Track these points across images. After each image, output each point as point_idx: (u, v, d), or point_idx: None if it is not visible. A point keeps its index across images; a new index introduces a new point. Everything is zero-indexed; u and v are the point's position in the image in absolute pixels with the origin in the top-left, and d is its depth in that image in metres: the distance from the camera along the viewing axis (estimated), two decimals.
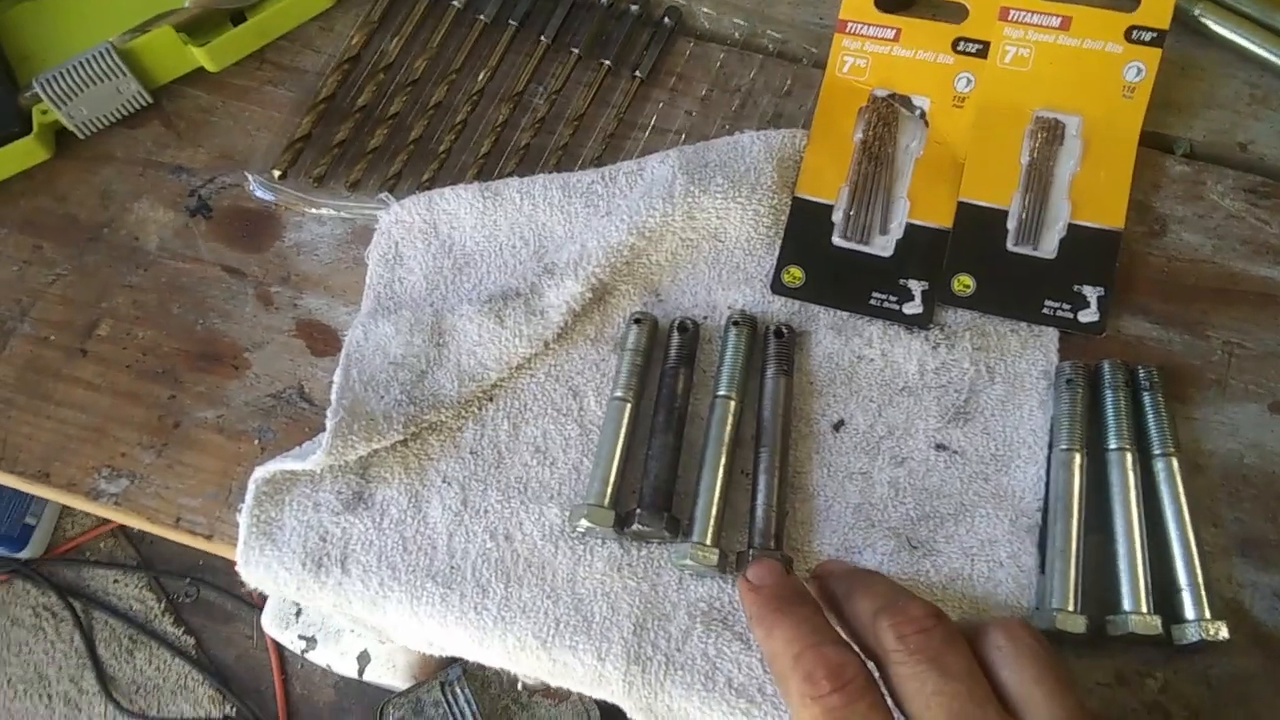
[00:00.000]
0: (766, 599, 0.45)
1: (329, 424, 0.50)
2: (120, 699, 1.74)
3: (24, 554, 1.77)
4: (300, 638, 1.48)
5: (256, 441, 0.55)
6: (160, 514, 0.54)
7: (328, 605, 0.52)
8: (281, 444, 0.55)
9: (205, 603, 1.78)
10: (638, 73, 0.61)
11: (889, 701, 0.40)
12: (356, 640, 1.48)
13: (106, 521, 1.78)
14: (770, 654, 0.43)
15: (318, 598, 0.52)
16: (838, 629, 0.44)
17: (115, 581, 1.81)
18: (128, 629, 1.78)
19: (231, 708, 1.73)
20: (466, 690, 1.31)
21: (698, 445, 0.52)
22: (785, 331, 0.54)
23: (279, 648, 1.67)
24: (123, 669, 1.77)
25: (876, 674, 0.41)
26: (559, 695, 1.29)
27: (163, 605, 1.80)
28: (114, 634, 1.78)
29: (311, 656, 1.47)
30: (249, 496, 0.52)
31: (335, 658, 1.48)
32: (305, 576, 0.51)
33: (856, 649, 0.42)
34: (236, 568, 0.52)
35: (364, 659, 1.47)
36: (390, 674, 1.44)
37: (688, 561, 0.49)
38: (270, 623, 1.48)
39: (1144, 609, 0.47)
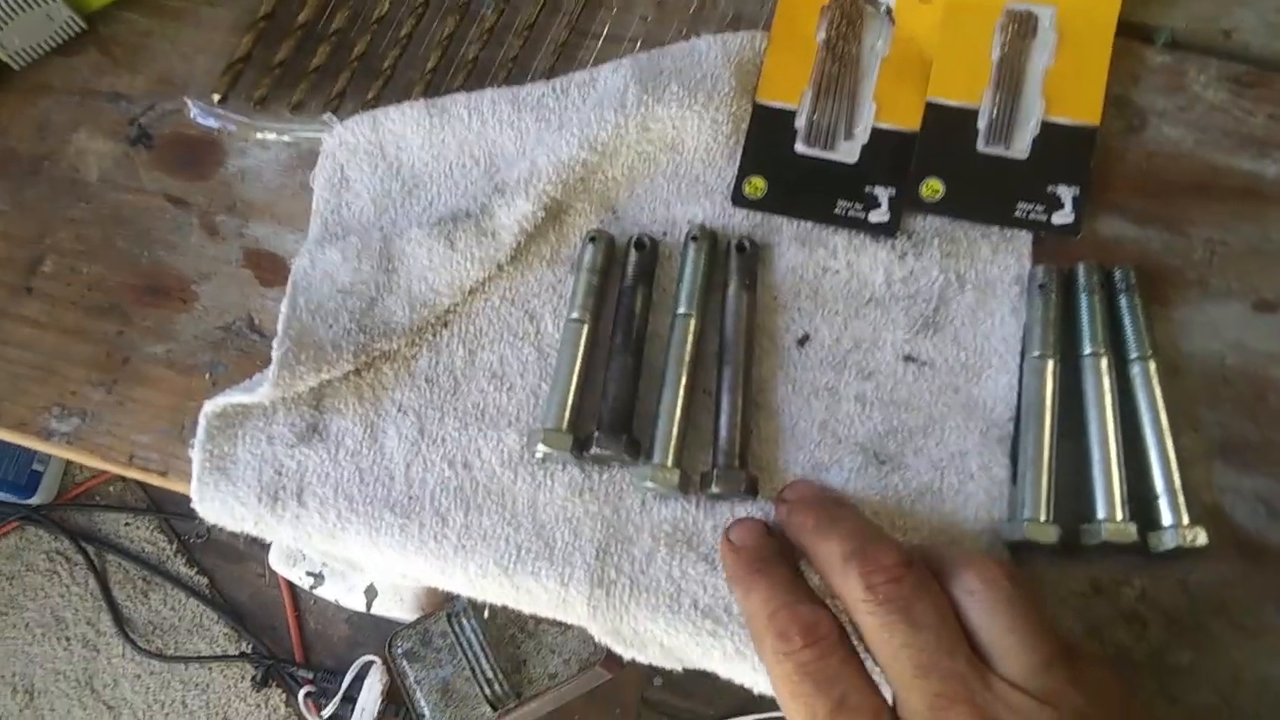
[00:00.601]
0: (746, 560, 0.44)
1: (275, 355, 0.49)
2: (137, 639, 1.76)
3: (34, 500, 1.79)
4: (308, 574, 1.49)
5: (207, 376, 0.53)
6: (113, 452, 0.53)
7: (287, 538, 0.51)
8: (233, 377, 0.53)
9: (216, 543, 1.80)
10: None
11: (861, 652, 0.40)
12: (362, 575, 1.49)
13: None
14: (748, 614, 0.44)
15: (275, 531, 0.51)
16: (812, 580, 0.44)
17: (126, 524, 1.83)
18: (141, 571, 1.80)
19: (248, 644, 1.75)
20: (473, 620, 1.32)
21: (658, 365, 0.50)
22: (747, 245, 0.51)
23: (291, 585, 1.69)
24: (138, 610, 1.79)
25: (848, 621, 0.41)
26: (565, 623, 1.30)
27: (174, 546, 1.81)
28: (128, 576, 1.81)
29: (320, 592, 1.49)
30: (200, 431, 0.50)
31: (343, 593, 1.49)
32: (261, 511, 0.50)
33: (830, 605, 0.42)
34: (192, 504, 0.51)
35: (371, 593, 1.48)
36: (398, 607, 1.45)
37: (649, 483, 0.47)
38: (278, 560, 1.49)
39: (1119, 516, 0.45)
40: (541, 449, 0.48)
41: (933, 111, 0.53)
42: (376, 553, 0.50)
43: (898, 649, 0.39)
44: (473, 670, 1.30)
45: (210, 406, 0.50)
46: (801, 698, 0.39)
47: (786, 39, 0.55)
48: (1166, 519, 0.46)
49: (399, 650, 1.36)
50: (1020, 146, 0.52)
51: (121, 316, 0.54)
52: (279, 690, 1.72)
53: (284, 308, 0.51)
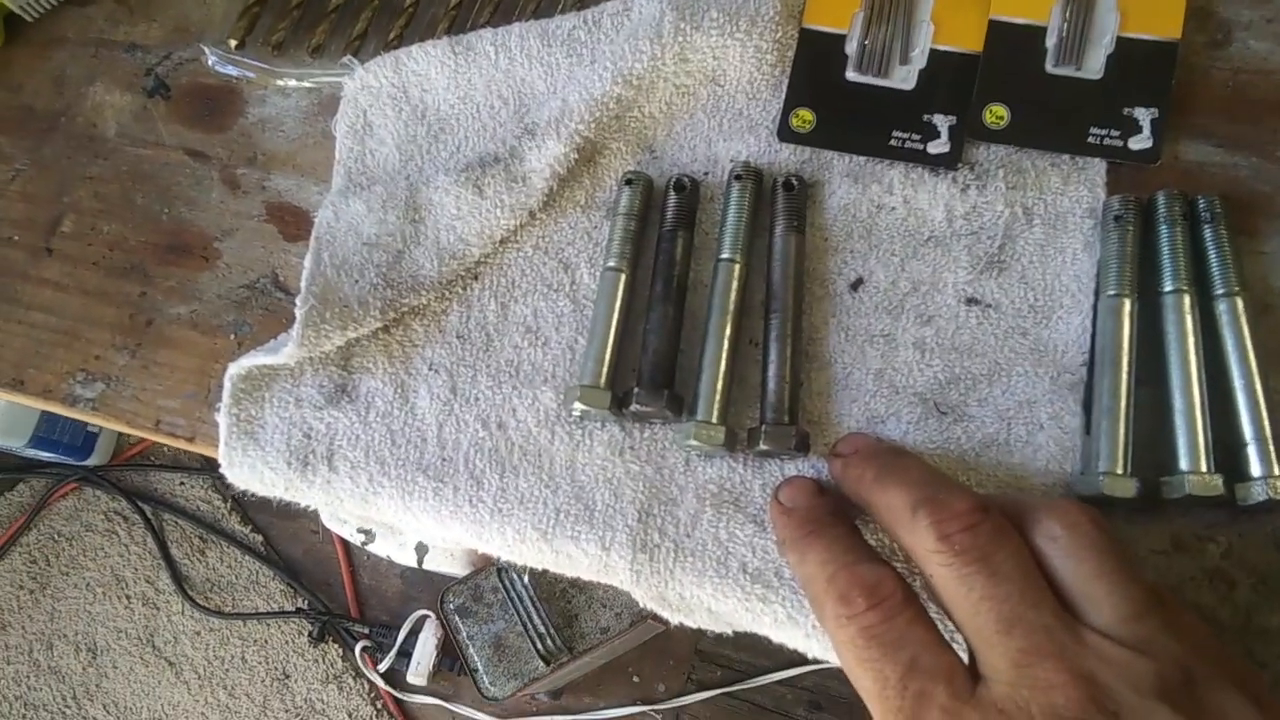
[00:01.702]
0: (799, 522, 0.42)
1: (299, 313, 0.47)
2: (196, 596, 1.79)
3: (90, 461, 1.81)
4: (359, 531, 1.49)
5: (233, 336, 0.51)
6: (139, 417, 0.51)
7: (319, 503, 0.49)
8: (258, 337, 0.51)
9: (269, 500, 1.81)
10: None
11: (931, 609, 0.37)
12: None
13: None
14: (804, 579, 0.41)
15: (306, 496, 0.49)
16: (873, 541, 0.41)
17: (181, 484, 1.85)
18: (197, 529, 1.82)
19: (304, 600, 1.77)
20: (524, 575, 1.31)
21: (701, 315, 0.47)
22: (795, 183, 0.48)
23: (344, 541, 1.70)
24: (196, 568, 1.82)
25: (917, 581, 0.39)
26: None
27: (229, 505, 1.83)
28: (184, 535, 1.83)
29: (372, 549, 1.49)
30: (226, 395, 0.48)
31: (394, 549, 1.49)
32: (291, 476, 0.48)
33: (895, 562, 0.39)
34: (220, 469, 0.49)
35: (421, 549, 1.48)
36: (449, 563, 1.45)
37: (693, 441, 0.44)
38: (328, 517, 1.50)
39: (1203, 468, 0.42)
40: (578, 407, 0.46)
41: (996, 30, 0.49)
42: (410, 517, 0.48)
43: (977, 602, 0.35)
44: (525, 625, 1.30)
45: (235, 369, 0.48)
46: (869, 663, 0.36)
47: None
48: (1256, 469, 0.42)
49: (450, 606, 1.36)
50: (1093, 66, 0.48)
51: (143, 277, 0.53)
52: (335, 645, 1.74)
53: (308, 263, 0.48)
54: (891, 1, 0.50)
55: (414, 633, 1.63)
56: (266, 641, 1.77)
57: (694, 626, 0.47)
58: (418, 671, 1.61)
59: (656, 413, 0.45)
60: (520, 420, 0.48)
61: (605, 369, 0.46)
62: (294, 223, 0.52)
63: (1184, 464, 0.42)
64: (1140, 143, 0.47)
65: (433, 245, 0.49)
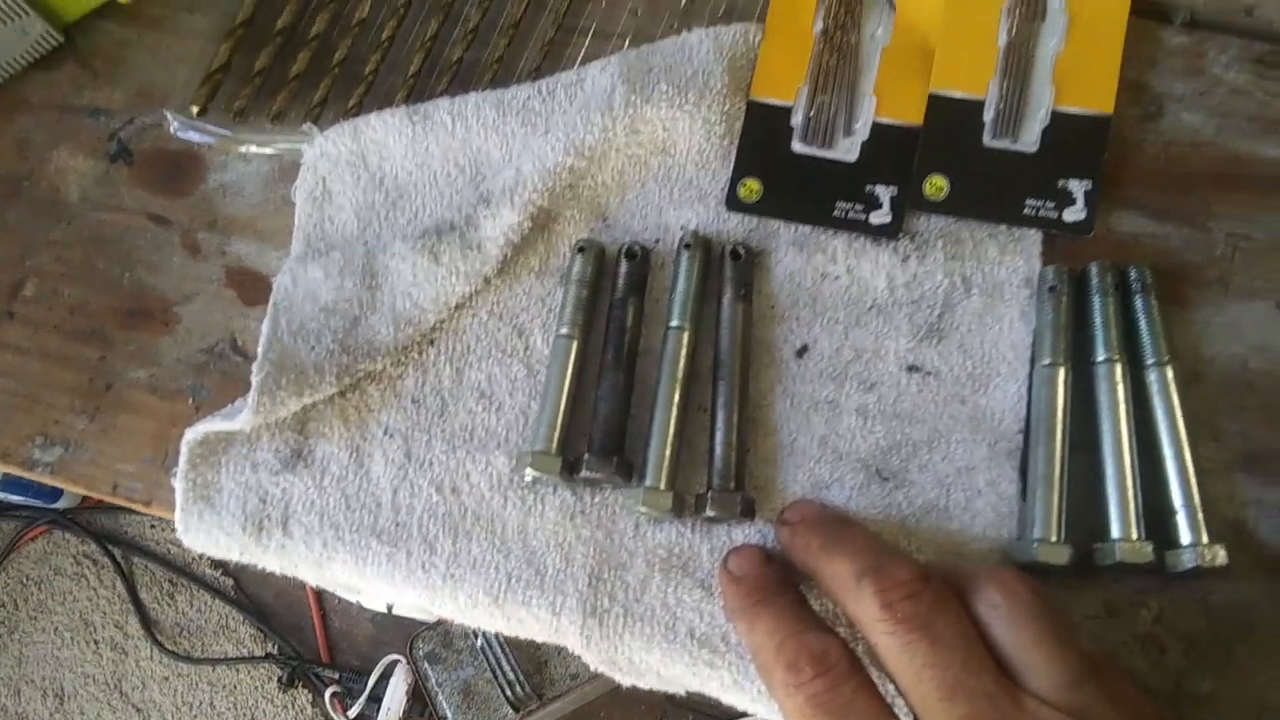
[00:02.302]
0: (747, 591, 0.42)
1: (254, 380, 0.47)
2: (164, 641, 1.77)
3: (60, 504, 1.80)
4: None
5: (191, 400, 0.52)
6: (97, 481, 0.51)
7: (275, 567, 0.50)
8: (216, 401, 0.52)
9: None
10: None
11: (875, 676, 0.38)
12: None
13: None
14: (753, 647, 0.42)
15: (262, 560, 0.49)
16: (818, 606, 0.42)
17: (152, 527, 1.83)
18: (167, 573, 1.80)
19: (274, 645, 1.76)
20: None
21: (651, 381, 0.48)
22: (742, 252, 0.49)
23: (315, 586, 1.69)
24: (165, 612, 1.80)
25: (859, 647, 0.40)
26: None
27: None
28: (154, 578, 1.81)
29: (342, 593, 1.48)
30: (182, 460, 0.49)
31: (366, 594, 1.48)
32: (247, 541, 0.49)
33: (840, 631, 0.40)
34: (176, 534, 0.49)
35: None
36: (419, 609, 1.45)
37: (641, 507, 0.45)
38: None
39: (1134, 535, 0.43)
40: (530, 473, 0.46)
41: (936, 104, 0.50)
42: (364, 582, 0.49)
43: (919, 670, 0.36)
44: (494, 672, 1.30)
45: (191, 434, 0.49)
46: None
47: (782, 31, 0.52)
48: (1185, 537, 0.43)
49: (420, 652, 1.36)
50: (1029, 139, 0.49)
51: (103, 341, 0.53)
52: (305, 690, 1.72)
53: (265, 329, 0.49)
54: (835, 74, 0.51)
55: (384, 678, 1.62)
56: (235, 687, 1.75)
57: (646, 688, 0.48)
58: (388, 716, 1.59)
59: (606, 478, 0.46)
60: (474, 485, 0.49)
61: (557, 435, 0.47)
62: (253, 287, 0.53)
63: (1115, 531, 0.43)
64: (1074, 214, 0.48)
65: (389, 311, 0.50)
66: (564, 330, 0.49)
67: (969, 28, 0.51)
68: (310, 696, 1.73)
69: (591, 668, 0.47)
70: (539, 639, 0.48)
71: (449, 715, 1.34)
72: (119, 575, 1.80)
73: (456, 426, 0.50)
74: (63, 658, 1.80)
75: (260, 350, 0.48)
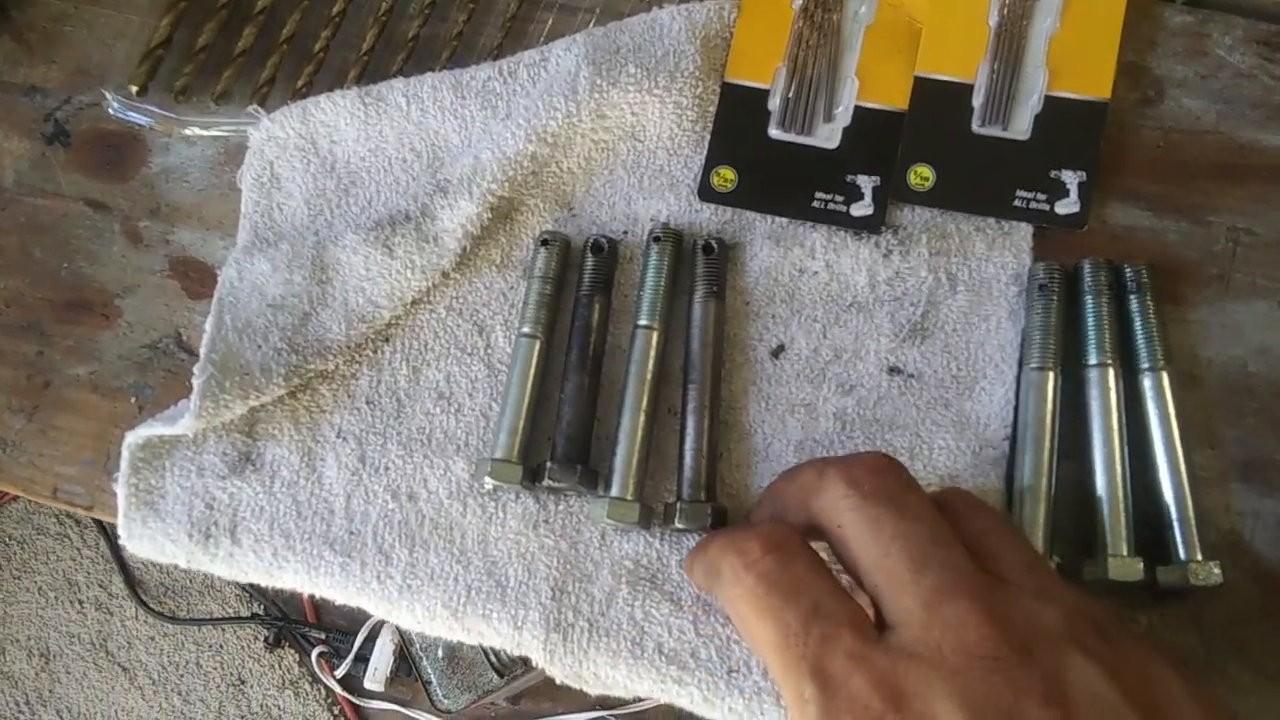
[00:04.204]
0: (701, 544, 0.39)
1: (196, 383, 0.45)
2: (150, 601, 1.76)
3: None
4: None
5: (134, 399, 0.49)
6: (36, 484, 0.49)
7: (224, 575, 0.48)
8: (160, 400, 0.49)
9: None
10: None
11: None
12: None
13: None
14: (705, 566, 0.38)
15: (211, 568, 0.47)
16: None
17: None
18: None
19: (260, 605, 1.75)
20: None
21: (618, 383, 0.46)
22: (715, 246, 0.46)
23: None
24: (150, 572, 1.78)
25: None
26: None
27: None
28: None
29: None
30: (124, 464, 0.46)
31: None
32: (193, 549, 0.46)
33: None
34: (120, 541, 0.47)
35: None
36: None
37: (607, 520, 0.43)
38: None
39: (1124, 551, 0.41)
40: (490, 481, 0.44)
41: (922, 88, 0.47)
42: (317, 591, 0.46)
43: (888, 543, 0.34)
44: None
45: (132, 438, 0.46)
46: (769, 612, 0.34)
47: (759, 7, 0.49)
48: (1178, 552, 0.41)
49: None
50: (1020, 126, 0.46)
51: (41, 336, 0.50)
52: (292, 650, 1.71)
53: (208, 326, 0.46)
54: (815, 55, 0.48)
55: (371, 638, 1.62)
56: (222, 647, 1.75)
57: (616, 696, 0.46)
58: (375, 677, 1.59)
59: (570, 487, 0.44)
60: (431, 491, 0.46)
61: (518, 441, 0.45)
62: (198, 279, 0.50)
63: (1104, 546, 0.41)
64: (1067, 207, 0.45)
65: (341, 307, 0.47)
66: (526, 329, 0.46)
67: (958, 6, 0.48)
68: (297, 656, 1.72)
69: (557, 681, 0.45)
70: (501, 649, 0.46)
71: (434, 680, 1.33)
72: (102, 534, 1.79)
73: (413, 429, 0.47)
74: (47, 617, 1.79)
75: (203, 350, 0.45)
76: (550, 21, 0.51)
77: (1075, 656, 0.31)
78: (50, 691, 1.78)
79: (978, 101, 0.47)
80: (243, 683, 1.73)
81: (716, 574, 0.37)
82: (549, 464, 0.44)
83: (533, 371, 0.46)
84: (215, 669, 1.74)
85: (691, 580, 0.42)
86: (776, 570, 0.35)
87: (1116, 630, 0.33)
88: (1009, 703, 0.30)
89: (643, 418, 0.44)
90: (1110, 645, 0.32)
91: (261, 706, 1.72)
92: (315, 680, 1.68)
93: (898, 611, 0.33)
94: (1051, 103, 0.46)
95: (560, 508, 0.45)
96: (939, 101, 0.47)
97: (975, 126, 0.47)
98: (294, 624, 1.71)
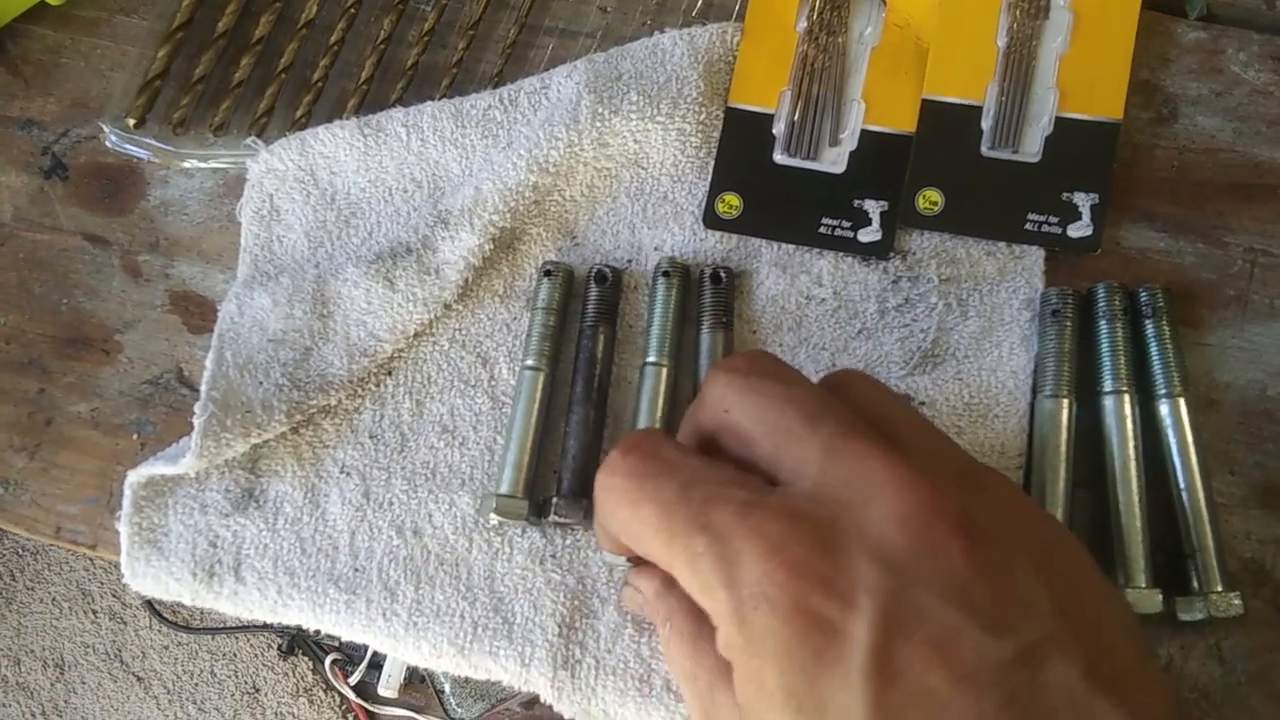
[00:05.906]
0: None
1: (197, 422, 0.44)
2: (163, 611, 1.76)
3: None
4: None
5: (135, 436, 0.49)
6: (39, 524, 0.48)
7: (229, 613, 0.47)
8: (162, 437, 0.49)
9: None
10: None
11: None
12: None
13: None
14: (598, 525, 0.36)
15: (215, 606, 0.47)
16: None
17: None
18: None
19: None
20: None
21: (625, 414, 0.45)
22: (722, 276, 0.45)
23: None
24: None
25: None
26: None
27: None
28: None
29: None
30: (126, 503, 0.46)
31: None
32: (198, 587, 0.46)
33: None
34: (123, 580, 0.47)
35: None
36: None
37: (610, 558, 0.42)
38: None
39: (1141, 582, 0.40)
40: (495, 518, 0.43)
41: (930, 110, 0.46)
42: (323, 629, 0.46)
43: (782, 406, 0.32)
44: None
45: (134, 476, 0.46)
46: (643, 497, 0.32)
47: (762, 31, 0.48)
48: (1197, 583, 0.40)
49: None
50: (1030, 149, 0.45)
51: (42, 372, 0.50)
52: (305, 658, 1.72)
53: (209, 363, 0.46)
54: (820, 78, 0.47)
55: None
56: (235, 655, 1.75)
57: None
58: (389, 684, 1.59)
59: (577, 522, 0.43)
60: (437, 527, 0.46)
61: (523, 475, 0.44)
62: (199, 313, 0.50)
63: (1121, 578, 0.40)
64: (1080, 230, 0.45)
65: (342, 342, 0.46)
66: (530, 361, 0.45)
67: (965, 26, 0.47)
68: (311, 664, 1.72)
69: (565, 718, 0.45)
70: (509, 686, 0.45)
71: (446, 689, 1.33)
72: None
73: (417, 463, 0.46)
74: (62, 628, 1.80)
75: (204, 388, 0.45)
76: (551, 47, 0.51)
77: (975, 496, 0.30)
78: (66, 702, 1.78)
79: (987, 124, 0.46)
80: (257, 691, 1.73)
81: (598, 511, 0.35)
82: (555, 499, 0.43)
83: (537, 404, 0.45)
84: (229, 677, 1.74)
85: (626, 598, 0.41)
86: (641, 462, 0.33)
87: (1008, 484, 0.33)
88: (924, 522, 0.28)
89: None
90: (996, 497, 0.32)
91: (276, 714, 1.72)
92: (329, 688, 1.68)
93: (794, 461, 0.31)
94: (1062, 124, 0.45)
95: (567, 542, 0.45)
96: (947, 124, 0.46)
97: (984, 149, 0.46)
98: (307, 632, 1.72)
